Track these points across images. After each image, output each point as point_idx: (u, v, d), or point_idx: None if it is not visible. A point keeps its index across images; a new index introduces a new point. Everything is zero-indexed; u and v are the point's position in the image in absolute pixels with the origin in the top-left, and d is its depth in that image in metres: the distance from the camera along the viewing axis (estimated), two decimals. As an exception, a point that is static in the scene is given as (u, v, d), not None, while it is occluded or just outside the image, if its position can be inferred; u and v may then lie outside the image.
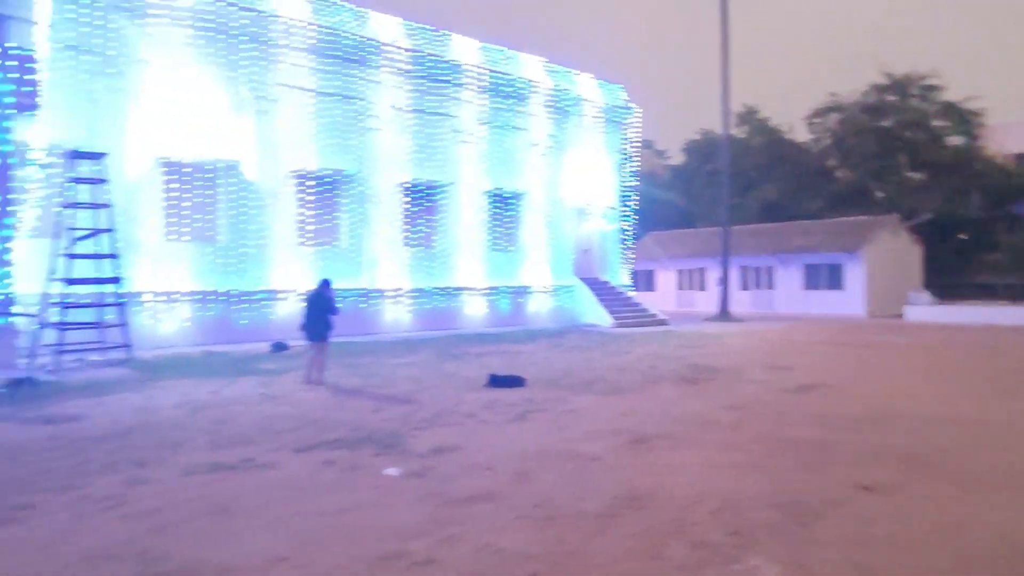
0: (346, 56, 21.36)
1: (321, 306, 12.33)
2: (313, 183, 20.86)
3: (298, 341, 17.21)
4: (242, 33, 19.21)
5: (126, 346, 14.99)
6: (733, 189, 37.13)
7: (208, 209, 18.89)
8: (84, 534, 5.11)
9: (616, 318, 25.58)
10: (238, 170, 19.18)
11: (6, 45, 13.87)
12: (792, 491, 6.04)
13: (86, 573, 4.45)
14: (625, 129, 30.50)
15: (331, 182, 21.26)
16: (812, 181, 47.88)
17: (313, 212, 20.87)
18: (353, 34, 21.62)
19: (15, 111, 13.46)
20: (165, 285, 17.74)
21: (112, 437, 8.18)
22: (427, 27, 24.05)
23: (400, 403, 10.40)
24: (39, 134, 15.46)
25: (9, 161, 13.40)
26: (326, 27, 20.98)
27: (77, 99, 16.39)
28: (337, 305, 12.71)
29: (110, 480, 6.43)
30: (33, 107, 13.77)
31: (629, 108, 30.57)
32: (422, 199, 23.38)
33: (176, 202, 18.30)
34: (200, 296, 18.31)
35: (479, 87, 24.66)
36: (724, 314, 30.04)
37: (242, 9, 19.22)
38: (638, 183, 31.60)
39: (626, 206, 30.29)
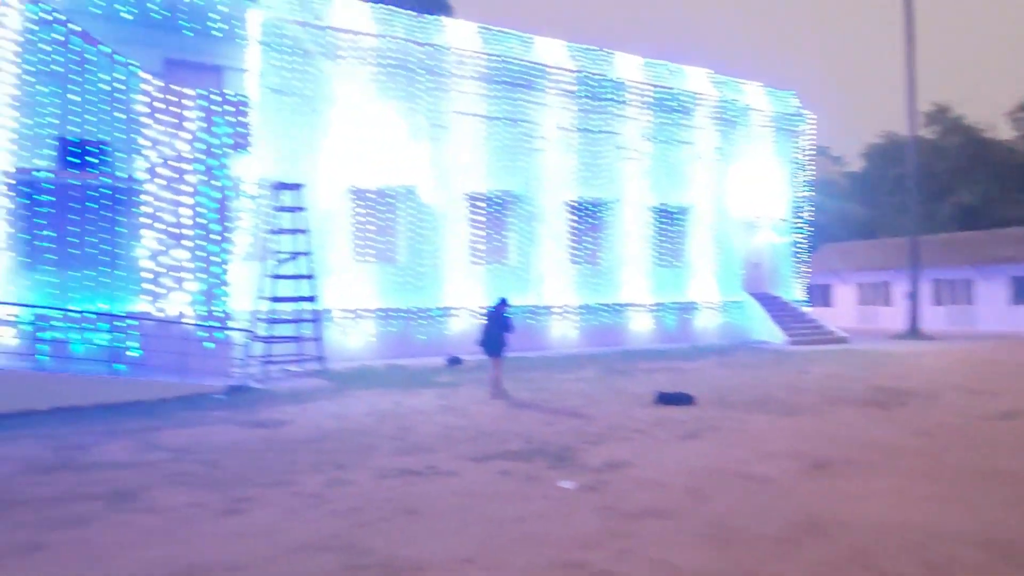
0: (514, 81, 22.04)
1: (498, 323, 12.80)
2: (484, 204, 21.70)
3: (472, 356, 18.01)
4: (419, 67, 20.46)
5: (321, 358, 16.39)
6: (922, 195, 34.01)
7: (390, 232, 20.22)
8: (297, 526, 5.71)
9: (790, 335, 24.23)
10: (416, 194, 20.35)
11: (224, 92, 15.76)
12: (999, 529, 5.48)
13: (302, 561, 4.99)
14: (797, 137, 28.91)
15: (500, 203, 22.00)
16: (1019, 183, 42.74)
17: (484, 232, 21.71)
18: (520, 59, 22.30)
19: (231, 150, 15.18)
20: (352, 303, 19.15)
21: (314, 440, 9.02)
22: (591, 47, 24.33)
23: (571, 417, 10.49)
24: (250, 169, 17.37)
25: (226, 194, 15.14)
26: (495, 55, 21.83)
27: (280, 137, 18.21)
28: (512, 322, 13.13)
29: (315, 479, 7.11)
30: (245, 146, 15.44)
31: (801, 115, 28.99)
32: (587, 216, 23.55)
33: (362, 226, 19.80)
34: (383, 313, 19.56)
35: (643, 103, 24.44)
36: (913, 331, 27.41)
37: (419, 45, 20.53)
38: (813, 193, 29.83)
39: (799, 217, 28.65)
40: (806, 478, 7.12)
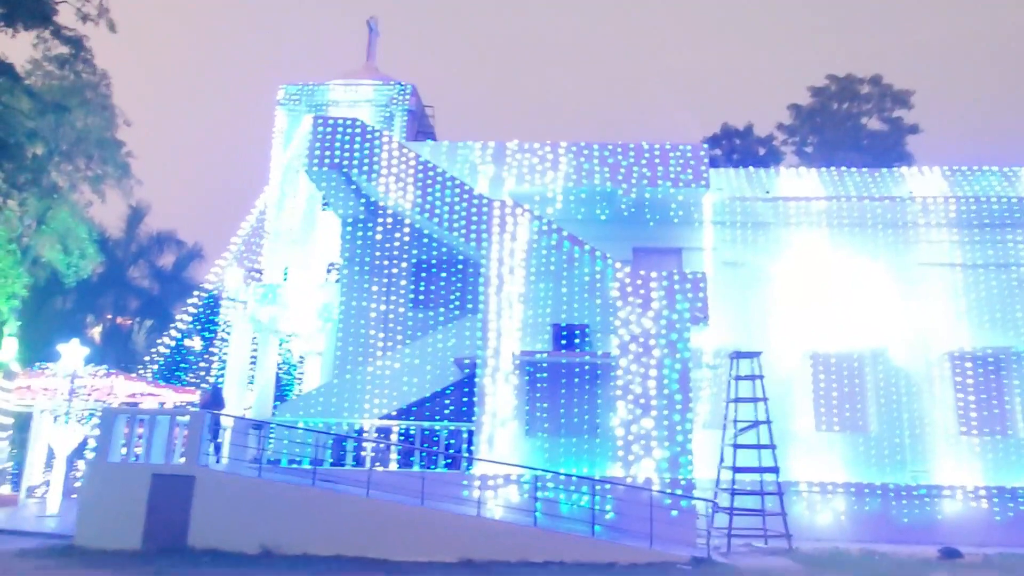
0: (995, 223, 19.20)
1: None
2: (971, 364, 18.58)
3: (975, 548, 14.85)
4: (878, 221, 19.34)
5: (787, 535, 15.30)
6: None
7: (857, 398, 18.66)
8: None
9: None
10: (886, 356, 18.60)
11: (683, 271, 17.02)
12: None
13: None
14: None
15: (994, 361, 18.57)
16: None
17: (974, 396, 18.42)
18: (1001, 196, 19.43)
19: (691, 324, 16.05)
20: (818, 476, 17.80)
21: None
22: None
23: None
24: (708, 340, 18.10)
25: (688, 365, 15.86)
26: (968, 197, 19.47)
27: (737, 307, 18.70)
28: None
29: None
30: (704, 318, 16.19)
31: None
32: None
33: (824, 392, 18.67)
34: (855, 489, 17.66)
35: None
36: None
37: (876, 200, 19.49)
38: None
39: None
40: None
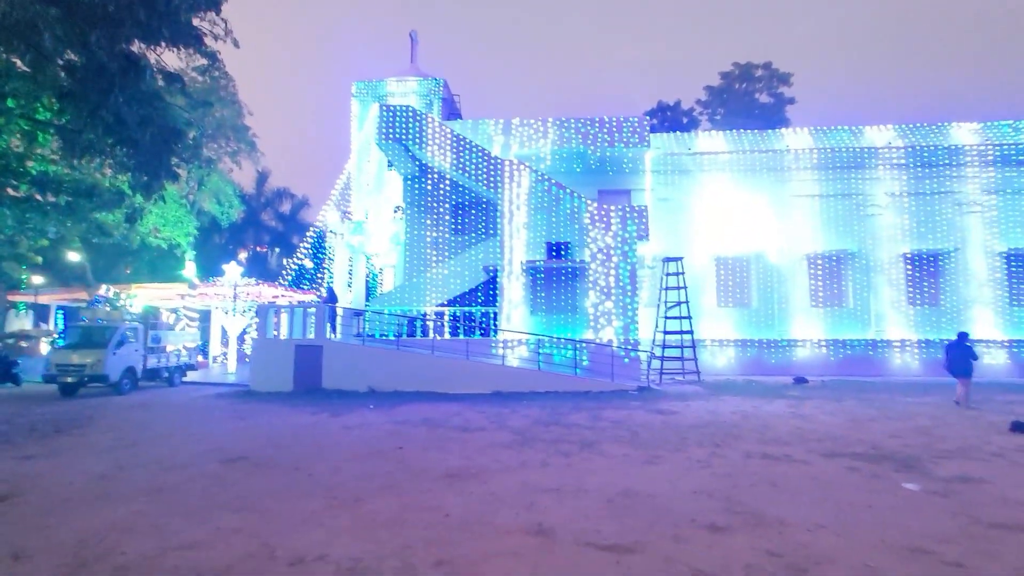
0: (842, 166, 18.91)
1: (963, 351, 11.01)
2: (821, 261, 18.82)
3: (816, 377, 15.59)
4: (763, 167, 19.08)
5: (696, 372, 16.07)
6: None
7: (745, 285, 18.96)
8: (690, 479, 5.80)
9: None
10: (765, 257, 18.75)
11: (633, 205, 17.02)
12: None
13: (695, 500, 5.08)
14: None
15: (836, 259, 18.81)
16: None
17: (822, 282, 18.77)
18: (848, 147, 19.06)
19: (637, 240, 16.22)
20: (719, 335, 18.40)
21: (697, 426, 8.94)
22: (921, 125, 19.43)
23: (918, 434, 8.29)
24: (648, 250, 18.28)
25: (635, 267, 16.16)
26: (825, 148, 19.08)
27: (666, 228, 18.77)
28: (975, 350, 11.23)
29: (701, 451, 7.10)
30: (646, 236, 16.34)
31: None
32: (924, 264, 18.48)
33: (724, 281, 18.98)
34: (741, 342, 18.31)
35: (983, 161, 18.42)
36: None
37: (762, 152, 19.18)
38: None
39: None
40: None
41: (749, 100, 34.80)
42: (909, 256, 18.41)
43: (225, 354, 23.81)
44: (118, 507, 4.99)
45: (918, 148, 18.66)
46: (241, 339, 23.08)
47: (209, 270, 27.05)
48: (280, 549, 3.99)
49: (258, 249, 36.64)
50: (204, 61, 11.31)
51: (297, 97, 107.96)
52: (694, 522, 4.49)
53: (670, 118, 35.86)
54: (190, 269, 24.15)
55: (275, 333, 15.21)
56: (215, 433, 8.69)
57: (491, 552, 3.91)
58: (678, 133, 21.25)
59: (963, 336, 11.25)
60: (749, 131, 20.82)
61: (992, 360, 17.46)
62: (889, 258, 18.39)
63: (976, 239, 18.17)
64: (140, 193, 10.04)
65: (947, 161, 18.51)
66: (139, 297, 21.99)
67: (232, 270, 20.26)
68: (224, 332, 23.97)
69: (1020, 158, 18.26)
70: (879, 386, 14.62)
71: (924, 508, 4.90)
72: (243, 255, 35.58)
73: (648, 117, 20.20)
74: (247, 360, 20.20)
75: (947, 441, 7.73)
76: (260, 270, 33.46)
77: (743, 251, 18.77)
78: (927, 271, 18.47)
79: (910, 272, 18.47)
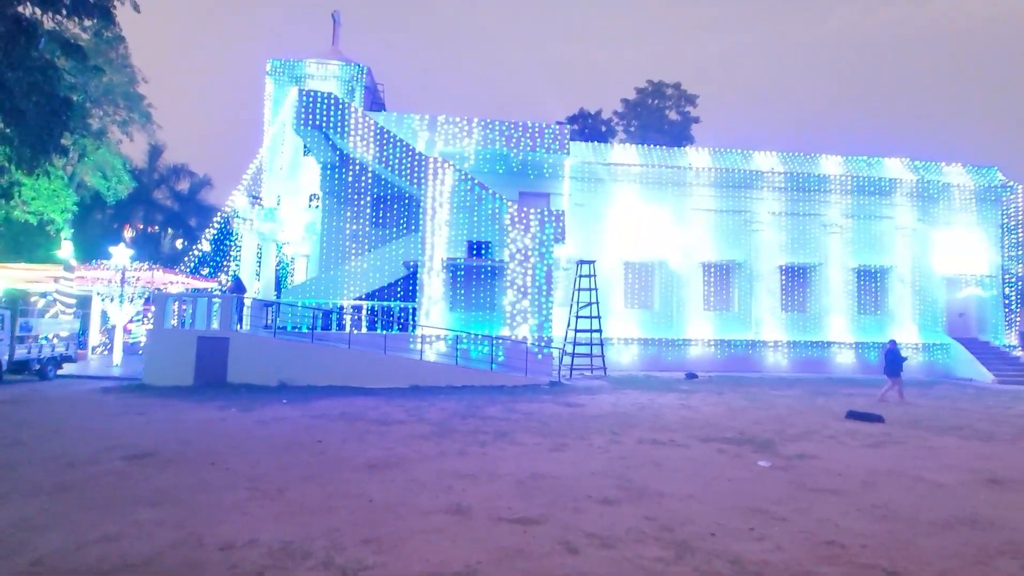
0: (733, 185, 21.25)
1: (896, 356, 13.22)
2: (714, 269, 21.04)
3: (704, 372, 17.44)
4: (669, 181, 20.90)
5: (603, 369, 17.37)
6: None
7: (649, 288, 20.64)
8: (591, 462, 6.63)
9: (996, 375, 18.89)
10: (667, 264, 20.52)
11: (551, 209, 17.96)
12: None
13: (593, 480, 5.87)
14: (1004, 205, 22.70)
15: (726, 268, 21.12)
16: None
17: (713, 288, 21.00)
18: (741, 169, 21.44)
19: (554, 242, 17.13)
20: (624, 333, 19.89)
21: (600, 416, 9.91)
22: (798, 153, 22.33)
23: (776, 421, 9.88)
24: (563, 252, 19.34)
25: (551, 268, 17.07)
26: (720, 168, 21.31)
27: (581, 232, 19.93)
28: (902, 354, 13.64)
29: (601, 439, 8.01)
30: (562, 239, 17.28)
31: (1007, 186, 22.75)
32: (796, 276, 21.33)
33: (630, 285, 20.53)
34: (644, 341, 19.95)
35: (844, 190, 21.59)
36: None
37: (669, 168, 20.99)
38: (1022, 251, 22.96)
39: (1010, 273, 22.28)
40: (978, 487, 5.98)
41: (660, 116, 37.48)
42: (784, 268, 21.13)
43: (107, 345, 21.74)
44: (19, 506, 4.82)
45: (794, 174, 21.45)
46: (127, 329, 21.19)
47: (89, 251, 24.40)
48: (208, 536, 4.18)
49: (149, 229, 33.46)
50: (95, 21, 10.42)
51: (206, 69, 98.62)
52: (590, 498, 5.27)
53: (591, 125, 37.68)
54: (67, 249, 21.72)
55: (173, 323, 14.34)
56: (113, 429, 8.27)
57: (414, 529, 4.39)
58: (595, 144, 22.60)
59: (893, 343, 13.66)
60: (658, 147, 22.60)
61: (843, 359, 20.61)
62: (768, 269, 20.97)
63: (835, 256, 21.27)
64: (22, 168, 9.15)
65: (816, 187, 21.46)
66: (1, 279, 19.42)
67: (120, 252, 18.61)
68: (106, 320, 21.86)
69: (872, 189, 21.67)
70: (755, 381, 16.73)
71: (768, 479, 6.08)
72: (129, 233, 32.32)
73: (569, 124, 21.29)
74: (140, 352, 18.68)
75: (796, 427, 9.31)
76: (152, 253, 30.65)
77: (648, 257, 20.44)
78: (798, 282, 21.33)
79: (784, 282, 21.22)
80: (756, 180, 21.25)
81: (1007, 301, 22.27)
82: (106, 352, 21.48)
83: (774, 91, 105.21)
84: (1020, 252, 22.65)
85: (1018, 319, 22.79)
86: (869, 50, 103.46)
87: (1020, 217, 23.12)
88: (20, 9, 7.44)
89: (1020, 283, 22.52)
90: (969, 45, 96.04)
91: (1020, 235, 22.92)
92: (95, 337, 21.72)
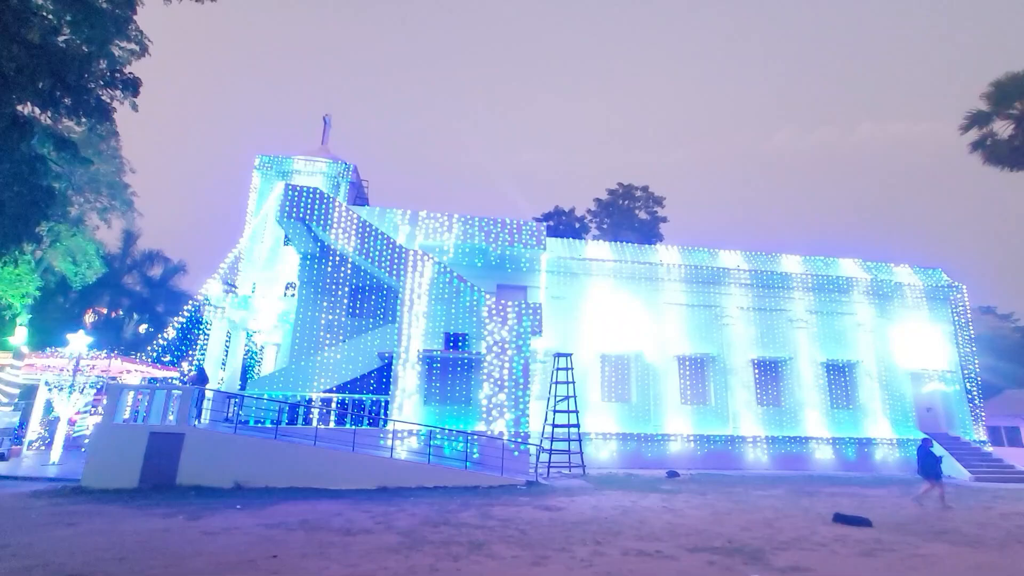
0: (704, 281, 22.12)
1: (931, 457, 12.45)
2: (689, 362, 21.22)
3: (685, 471, 16.86)
4: (641, 276, 21.64)
5: (582, 467, 16.71)
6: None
7: (625, 381, 20.54)
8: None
9: (972, 472, 18.85)
10: (642, 356, 20.63)
11: (528, 302, 18.23)
12: None
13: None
14: (952, 304, 24.08)
15: (700, 361, 21.34)
16: None
17: (690, 381, 21.04)
18: (709, 266, 22.45)
19: (531, 335, 17.17)
20: (602, 428, 19.41)
21: (581, 523, 9.34)
22: (761, 253, 23.65)
23: (764, 526, 9.48)
24: (540, 344, 19.34)
25: (528, 361, 16.94)
26: (690, 265, 22.29)
27: (558, 325, 20.12)
28: (937, 456, 12.61)
29: (583, 550, 7.48)
30: (539, 332, 17.34)
31: (953, 286, 24.29)
32: (768, 370, 21.64)
33: (607, 377, 20.41)
34: (622, 436, 19.45)
35: (806, 287, 22.69)
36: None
37: (641, 263, 21.85)
38: (975, 348, 24.02)
39: (968, 368, 23.10)
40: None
41: (630, 215, 39.73)
42: (756, 361, 21.46)
43: (46, 439, 20.02)
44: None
45: (758, 272, 22.54)
46: (72, 421, 19.69)
47: (46, 337, 23.29)
48: None
49: (112, 314, 32.35)
50: (93, 119, 10.80)
51: (194, 161, 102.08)
52: (576, 622, 4.80)
53: (564, 221, 39.53)
54: (20, 335, 20.67)
55: (126, 416, 13.40)
56: (35, 544, 7.35)
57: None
58: (571, 240, 23.56)
59: (927, 443, 12.96)
60: (630, 244, 23.71)
61: (821, 455, 20.37)
62: (742, 363, 21.26)
63: (804, 350, 21.82)
64: (-10, 254, 8.92)
65: (780, 284, 22.51)
66: (-60, 366, 18.13)
67: (78, 340, 17.76)
68: (50, 411, 20.32)
69: (831, 287, 22.84)
70: (736, 479, 16.24)
71: (764, 597, 5.68)
72: (90, 318, 31.11)
73: (544, 221, 22.27)
74: (83, 449, 17.23)
75: (784, 532, 8.91)
76: (113, 338, 29.36)
77: (624, 350, 20.57)
78: (770, 375, 21.59)
79: (758, 376, 21.45)
80: (723, 276, 22.19)
81: (970, 396, 22.84)
82: (43, 447, 19.74)
83: (734, 196, 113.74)
84: (973, 349, 23.69)
85: (983, 414, 23.27)
86: (810, 164, 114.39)
87: (969, 316, 24.49)
88: (19, 108, 7.68)
89: (979, 379, 23.28)
90: (892, 163, 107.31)
91: (972, 333, 24.13)
92: (34, 430, 20.05)
